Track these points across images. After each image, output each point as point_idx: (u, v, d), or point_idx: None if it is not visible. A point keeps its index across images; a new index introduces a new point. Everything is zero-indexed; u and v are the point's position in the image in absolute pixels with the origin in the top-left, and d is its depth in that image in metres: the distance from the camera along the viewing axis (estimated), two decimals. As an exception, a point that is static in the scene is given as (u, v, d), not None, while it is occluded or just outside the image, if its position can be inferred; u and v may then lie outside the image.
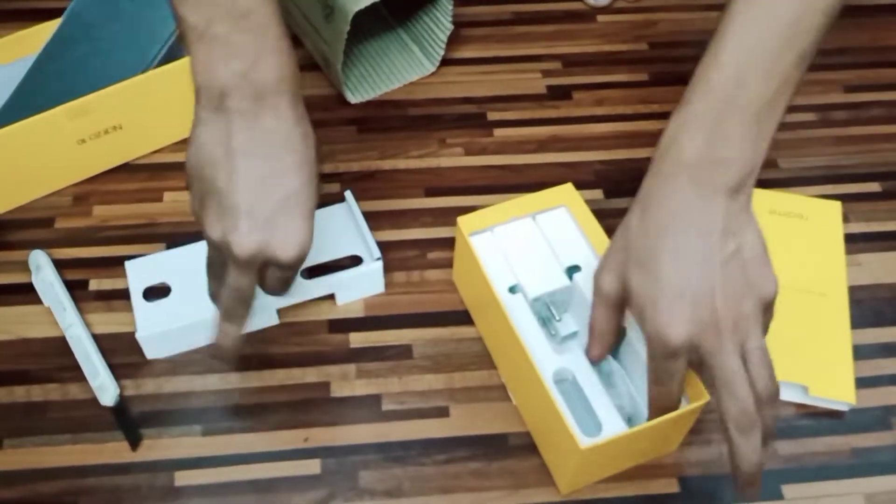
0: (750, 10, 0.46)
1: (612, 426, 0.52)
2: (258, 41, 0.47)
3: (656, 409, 0.51)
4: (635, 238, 0.49)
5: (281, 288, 0.52)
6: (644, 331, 0.48)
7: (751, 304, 0.47)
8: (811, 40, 0.47)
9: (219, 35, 0.47)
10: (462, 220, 0.59)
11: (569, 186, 0.62)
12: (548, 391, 0.51)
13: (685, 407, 0.52)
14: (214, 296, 0.54)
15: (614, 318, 0.52)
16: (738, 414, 0.46)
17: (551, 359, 0.55)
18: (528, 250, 0.60)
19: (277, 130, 0.49)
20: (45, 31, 0.70)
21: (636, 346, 0.54)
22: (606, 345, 0.54)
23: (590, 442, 0.50)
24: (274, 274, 0.51)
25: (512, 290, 0.58)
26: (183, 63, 0.67)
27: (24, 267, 0.64)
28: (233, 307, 0.51)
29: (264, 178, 0.48)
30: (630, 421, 0.55)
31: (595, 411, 0.53)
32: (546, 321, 0.58)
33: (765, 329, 0.49)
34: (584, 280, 0.57)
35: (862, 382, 0.59)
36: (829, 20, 0.47)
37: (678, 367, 0.48)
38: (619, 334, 0.55)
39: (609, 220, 0.60)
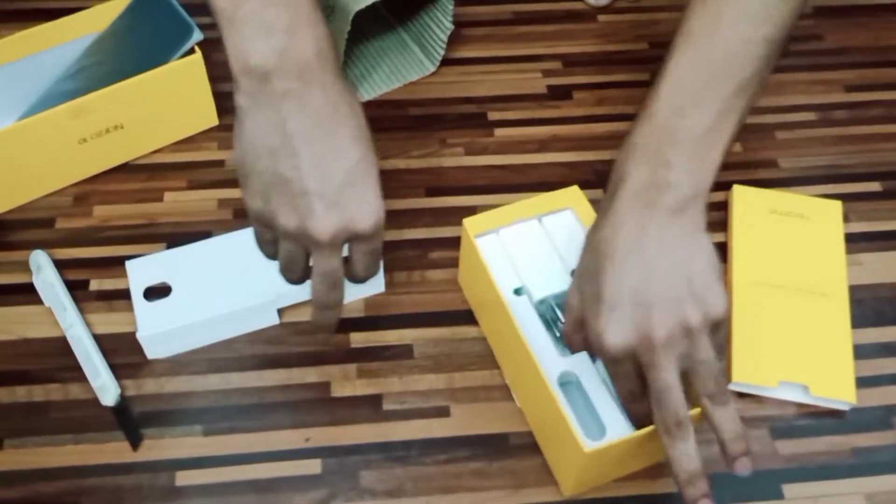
0: (687, 47, 0.49)
1: (616, 429, 0.52)
2: (291, 14, 0.47)
3: (632, 414, 0.52)
4: (585, 254, 0.51)
5: (373, 263, 0.51)
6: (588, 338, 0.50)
7: (695, 320, 0.47)
8: (752, 70, 0.49)
9: (250, 13, 0.46)
10: (468, 222, 0.59)
11: (575, 189, 0.61)
12: (552, 393, 0.51)
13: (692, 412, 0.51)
14: (294, 281, 0.53)
15: (580, 330, 0.52)
16: (668, 424, 0.48)
17: (556, 361, 0.55)
18: (534, 252, 0.60)
19: (327, 105, 0.48)
20: (46, 32, 0.70)
21: None
22: (579, 349, 0.54)
23: (593, 445, 0.50)
24: (360, 250, 0.50)
25: (517, 291, 0.58)
26: (183, 63, 0.67)
27: (24, 267, 0.64)
28: (326, 294, 0.50)
29: (325, 156, 0.47)
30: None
31: (599, 414, 0.53)
32: (551, 323, 0.58)
33: (717, 347, 0.49)
34: None
35: (862, 382, 0.59)
36: (776, 46, 0.49)
37: (623, 371, 0.49)
38: None
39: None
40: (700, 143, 0.49)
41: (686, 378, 0.48)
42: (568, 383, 0.55)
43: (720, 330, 0.49)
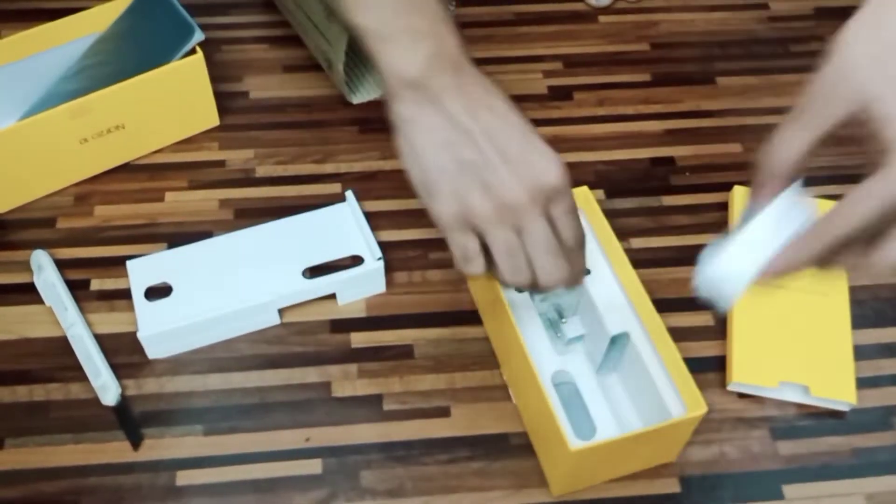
0: None
1: (607, 431, 0.52)
2: (435, 21, 0.50)
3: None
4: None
5: (576, 223, 0.51)
6: None
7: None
8: None
9: (402, 29, 0.49)
10: None
11: (584, 190, 0.61)
12: (543, 391, 0.51)
13: (682, 416, 0.51)
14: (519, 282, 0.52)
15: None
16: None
17: (552, 360, 0.55)
18: None
19: (478, 84, 0.50)
20: (47, 32, 0.70)
21: (641, 355, 0.55)
22: None
23: (580, 444, 0.50)
24: (558, 211, 0.50)
25: (520, 289, 0.58)
26: (184, 63, 0.67)
27: (25, 267, 0.64)
28: (553, 265, 0.50)
29: (495, 127, 0.49)
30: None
31: (591, 416, 0.53)
32: (552, 323, 0.58)
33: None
34: (593, 284, 0.57)
35: (863, 382, 0.59)
36: None
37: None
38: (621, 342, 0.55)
39: (611, 220, 0.60)
40: None
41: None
42: (563, 384, 0.55)
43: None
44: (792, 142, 0.47)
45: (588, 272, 0.58)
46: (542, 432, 0.54)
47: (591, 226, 0.60)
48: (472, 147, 0.49)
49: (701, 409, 0.51)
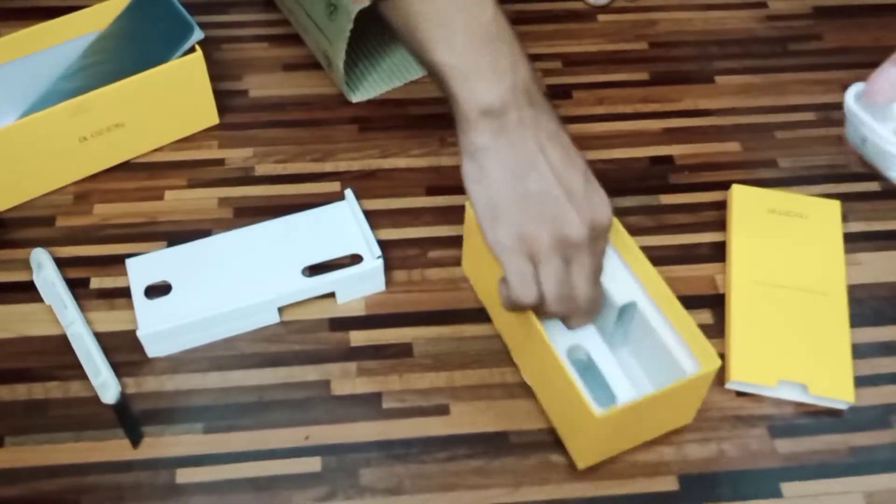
0: None
1: (626, 395, 0.53)
2: (513, 55, 0.52)
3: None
4: None
5: (602, 260, 0.55)
6: None
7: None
8: None
9: (486, 65, 0.50)
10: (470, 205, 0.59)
11: None
12: (561, 364, 0.51)
13: (697, 373, 0.52)
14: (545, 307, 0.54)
15: None
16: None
17: (564, 336, 0.55)
18: None
19: (551, 120, 0.53)
20: (46, 30, 0.70)
21: (649, 321, 0.55)
22: None
23: (604, 410, 0.50)
24: (599, 247, 0.53)
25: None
26: (183, 62, 0.67)
27: (25, 265, 0.64)
28: (595, 293, 0.54)
29: (563, 163, 0.52)
30: None
31: (609, 384, 0.54)
32: None
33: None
34: None
35: (861, 381, 0.60)
36: None
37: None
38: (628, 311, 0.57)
39: (609, 218, 0.60)
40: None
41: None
42: (577, 360, 0.55)
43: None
44: None
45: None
46: (564, 407, 0.54)
47: None
48: (541, 181, 0.51)
49: (715, 363, 0.51)
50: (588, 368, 0.55)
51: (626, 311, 0.57)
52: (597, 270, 0.54)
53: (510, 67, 0.51)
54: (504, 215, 0.52)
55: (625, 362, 0.58)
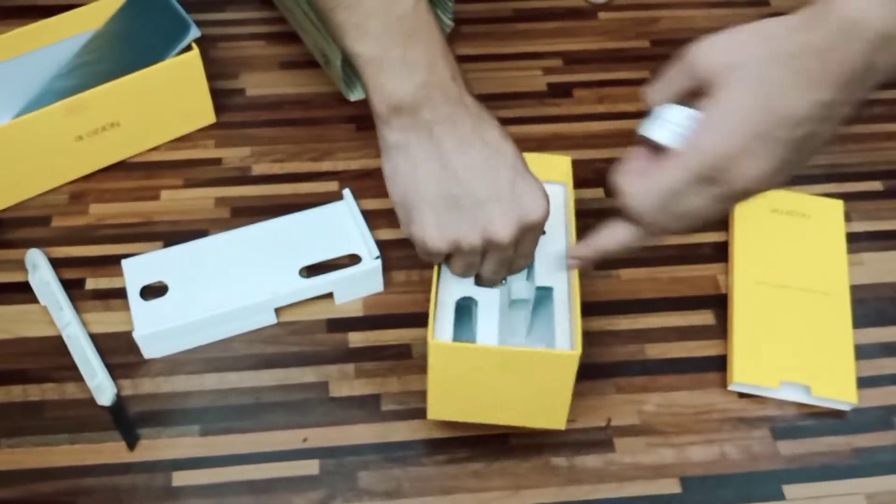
0: None
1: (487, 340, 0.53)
2: (430, 51, 0.49)
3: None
4: None
5: (532, 250, 0.54)
6: None
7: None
8: None
9: (396, 58, 0.49)
10: None
11: (567, 160, 0.60)
12: (432, 295, 0.52)
13: (557, 349, 0.51)
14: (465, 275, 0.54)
15: None
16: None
17: (465, 286, 0.55)
18: None
19: (471, 116, 0.50)
20: (42, 29, 0.70)
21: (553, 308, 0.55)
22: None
23: (439, 340, 0.50)
24: (528, 238, 0.52)
25: None
26: (180, 60, 0.67)
27: (20, 266, 0.63)
28: (498, 272, 0.53)
29: (488, 161, 0.50)
30: None
31: (476, 332, 0.53)
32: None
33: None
34: (543, 244, 0.56)
35: (864, 382, 0.59)
36: None
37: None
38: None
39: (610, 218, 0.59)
40: None
41: None
42: (465, 306, 0.55)
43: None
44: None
45: (543, 233, 0.57)
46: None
47: (565, 200, 0.60)
48: (459, 184, 0.49)
49: (574, 353, 0.50)
50: (469, 311, 0.55)
51: (543, 294, 0.56)
52: (521, 252, 0.53)
53: (426, 63, 0.49)
54: (420, 219, 0.50)
55: (513, 330, 0.57)
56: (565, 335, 0.54)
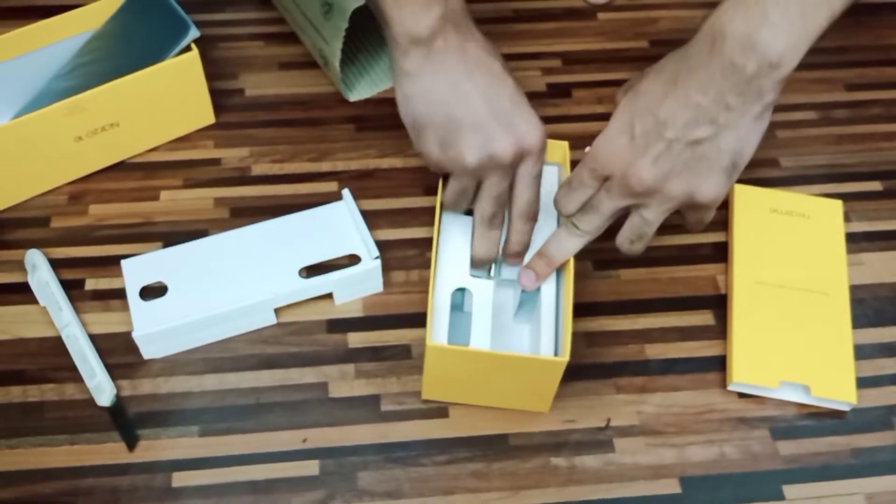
0: None
1: (478, 344, 0.55)
2: None
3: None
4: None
5: (537, 190, 0.57)
6: None
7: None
8: None
9: None
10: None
11: (564, 144, 0.62)
12: (430, 291, 0.54)
13: (547, 356, 0.53)
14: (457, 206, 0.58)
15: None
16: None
17: (457, 277, 0.58)
18: None
19: (479, 48, 0.56)
20: (41, 29, 0.70)
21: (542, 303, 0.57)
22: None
23: (435, 342, 0.53)
24: (526, 173, 0.56)
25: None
26: (179, 60, 0.67)
27: (19, 266, 0.63)
28: (494, 212, 0.57)
29: (490, 88, 0.55)
30: None
31: (471, 330, 0.55)
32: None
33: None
34: (538, 232, 0.59)
35: (863, 382, 0.59)
36: None
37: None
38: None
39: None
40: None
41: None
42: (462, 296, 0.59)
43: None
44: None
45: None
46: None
47: (560, 182, 0.61)
48: (466, 107, 0.54)
49: (561, 359, 0.52)
50: (464, 307, 0.59)
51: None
52: (522, 200, 0.56)
53: None
54: (428, 139, 0.55)
55: (505, 325, 0.59)
56: (550, 337, 0.55)
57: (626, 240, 0.57)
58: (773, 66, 0.49)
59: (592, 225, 0.55)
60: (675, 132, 0.51)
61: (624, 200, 0.54)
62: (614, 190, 0.54)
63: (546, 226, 0.59)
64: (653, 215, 0.55)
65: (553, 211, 0.59)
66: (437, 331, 0.54)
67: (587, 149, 0.55)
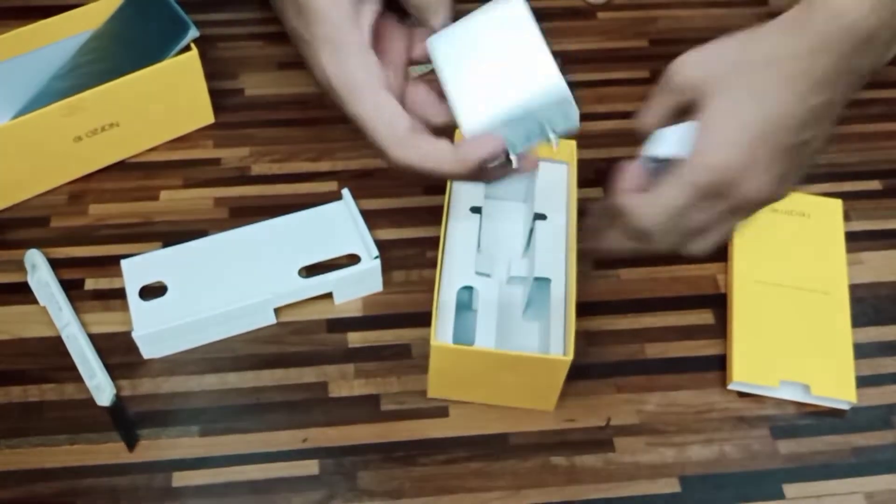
0: None
1: (483, 343, 0.54)
2: None
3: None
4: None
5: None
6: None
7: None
8: None
9: None
10: None
11: (572, 144, 0.63)
12: (437, 286, 0.54)
13: (551, 355, 0.53)
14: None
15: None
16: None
17: (466, 276, 0.57)
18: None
19: None
20: (40, 29, 0.70)
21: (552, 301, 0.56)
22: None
23: (440, 342, 0.53)
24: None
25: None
26: (179, 60, 0.67)
27: (19, 266, 0.63)
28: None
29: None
30: None
31: (476, 329, 0.55)
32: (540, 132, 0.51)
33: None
34: (542, 228, 0.59)
35: (863, 381, 0.59)
36: None
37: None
38: None
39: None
40: None
41: None
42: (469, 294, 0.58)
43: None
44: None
45: (544, 217, 0.59)
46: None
47: (568, 182, 0.62)
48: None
49: (566, 358, 0.52)
50: (471, 304, 0.58)
51: (541, 283, 0.57)
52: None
53: None
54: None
55: (511, 323, 0.59)
56: (559, 335, 0.55)
57: (710, 247, 0.50)
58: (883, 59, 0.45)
59: (707, 247, 0.49)
60: (791, 136, 0.45)
61: (742, 215, 0.48)
62: (736, 207, 0.46)
63: (551, 223, 0.59)
64: (745, 219, 0.48)
65: (560, 208, 0.59)
66: (443, 329, 0.54)
67: (683, 167, 0.45)
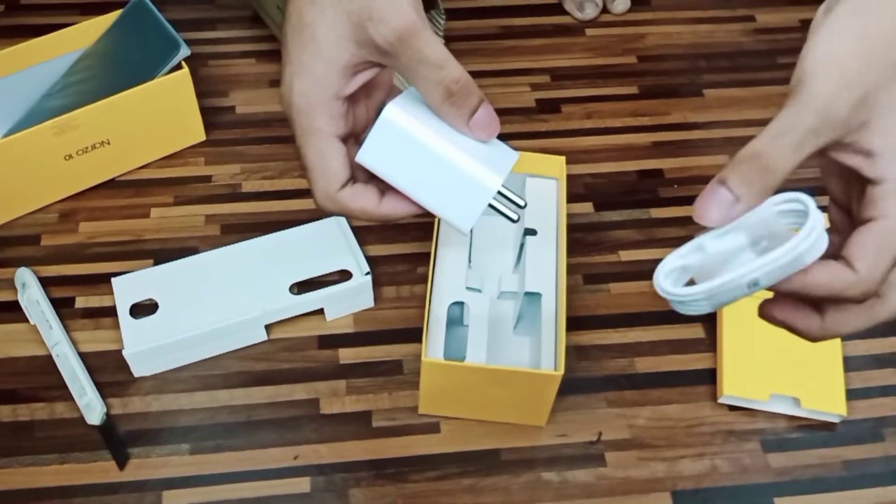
0: None
1: (474, 359, 0.55)
2: None
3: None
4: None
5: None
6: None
7: None
8: None
9: None
10: None
11: (561, 160, 0.62)
12: (427, 302, 0.54)
13: (542, 370, 0.54)
14: None
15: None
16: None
17: (458, 290, 0.57)
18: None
19: None
20: (31, 48, 0.70)
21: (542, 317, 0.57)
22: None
23: (431, 358, 0.53)
24: None
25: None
26: (170, 78, 0.67)
27: (9, 285, 0.63)
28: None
29: None
30: None
31: (467, 343, 0.55)
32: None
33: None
34: (533, 244, 0.59)
35: (853, 394, 0.59)
36: None
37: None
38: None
39: (600, 233, 0.60)
40: None
41: None
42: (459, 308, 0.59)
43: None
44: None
45: (535, 233, 0.59)
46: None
47: (558, 197, 0.62)
48: None
49: (556, 373, 0.52)
50: (461, 318, 0.59)
51: (532, 298, 0.58)
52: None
53: None
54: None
55: (501, 338, 0.60)
56: (550, 350, 0.55)
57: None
58: None
59: None
60: None
61: None
62: None
63: (541, 238, 0.59)
64: None
65: (550, 223, 0.60)
66: (434, 345, 0.54)
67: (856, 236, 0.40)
